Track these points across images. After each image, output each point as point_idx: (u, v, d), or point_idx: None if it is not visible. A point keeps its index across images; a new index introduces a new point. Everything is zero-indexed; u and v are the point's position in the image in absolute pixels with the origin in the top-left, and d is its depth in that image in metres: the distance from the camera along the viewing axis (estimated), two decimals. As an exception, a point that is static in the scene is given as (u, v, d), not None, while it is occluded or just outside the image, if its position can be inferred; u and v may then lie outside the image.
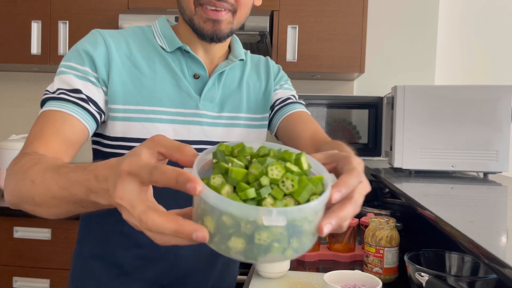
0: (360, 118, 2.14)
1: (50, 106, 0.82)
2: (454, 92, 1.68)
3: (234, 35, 1.01)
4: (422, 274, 0.91)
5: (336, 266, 1.26)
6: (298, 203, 0.46)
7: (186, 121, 0.92)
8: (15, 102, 2.63)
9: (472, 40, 2.45)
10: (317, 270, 1.24)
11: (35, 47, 2.23)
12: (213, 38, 0.89)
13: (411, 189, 1.37)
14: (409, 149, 1.69)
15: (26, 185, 0.64)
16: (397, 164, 1.70)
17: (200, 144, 0.94)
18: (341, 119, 2.15)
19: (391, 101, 1.81)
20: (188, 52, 0.93)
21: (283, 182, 0.46)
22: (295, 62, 2.11)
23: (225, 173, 0.47)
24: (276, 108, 1.04)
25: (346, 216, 0.49)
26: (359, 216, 1.44)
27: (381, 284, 0.93)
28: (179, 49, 0.94)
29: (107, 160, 0.53)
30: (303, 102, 1.08)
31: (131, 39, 0.92)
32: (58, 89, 0.84)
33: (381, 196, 2.13)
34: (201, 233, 0.43)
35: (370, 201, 1.90)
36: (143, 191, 0.47)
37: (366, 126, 2.13)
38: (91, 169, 0.54)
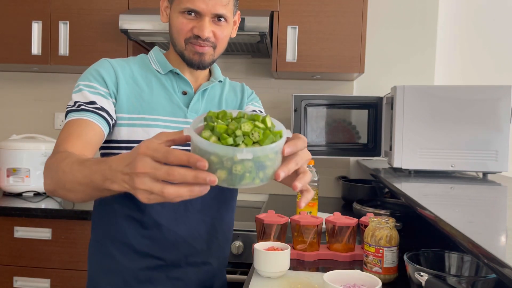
0: (359, 118, 2.14)
1: (72, 116, 1.03)
2: (454, 92, 1.68)
3: (215, 64, 1.25)
4: (422, 273, 0.91)
5: (336, 266, 1.26)
6: None
7: (177, 127, 1.13)
8: (16, 102, 2.63)
9: (472, 40, 2.45)
10: (317, 269, 1.24)
11: (35, 47, 2.23)
12: (199, 66, 1.13)
13: (411, 189, 1.37)
14: (408, 149, 1.69)
15: (59, 175, 0.85)
16: (396, 164, 1.70)
17: (187, 146, 1.10)
18: (341, 119, 2.16)
19: (391, 101, 1.81)
20: (178, 74, 1.16)
21: (252, 133, 0.67)
22: (295, 62, 2.12)
23: (212, 129, 0.68)
24: None
25: (291, 169, 0.71)
26: (358, 216, 1.45)
27: (380, 283, 0.93)
28: (171, 71, 1.17)
29: (119, 154, 0.73)
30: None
31: (133, 64, 1.16)
32: (77, 101, 1.05)
33: (381, 196, 2.14)
34: (206, 174, 0.63)
35: (370, 201, 1.90)
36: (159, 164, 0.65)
37: (366, 126, 2.14)
38: (106, 161, 0.74)
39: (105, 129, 1.05)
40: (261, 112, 1.29)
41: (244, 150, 0.64)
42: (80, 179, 0.79)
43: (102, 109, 1.05)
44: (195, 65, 1.13)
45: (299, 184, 0.73)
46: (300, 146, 0.74)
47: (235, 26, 1.20)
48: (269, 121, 0.71)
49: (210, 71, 1.26)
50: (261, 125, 0.69)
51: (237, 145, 0.66)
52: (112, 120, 1.07)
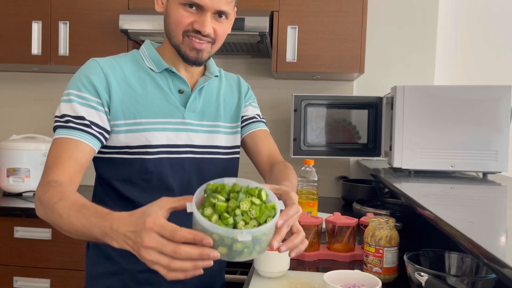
0: (359, 118, 2.14)
1: (61, 134, 1.00)
2: (454, 92, 1.68)
3: None
4: (422, 274, 0.91)
5: (336, 266, 1.26)
6: (259, 223, 0.75)
7: (175, 129, 1.10)
8: (15, 102, 2.63)
9: (472, 40, 2.45)
10: (317, 270, 1.24)
11: (35, 47, 2.23)
12: (195, 63, 1.09)
13: (411, 189, 1.37)
14: (408, 149, 1.69)
15: (55, 217, 0.85)
16: (396, 164, 1.70)
17: (186, 147, 1.11)
18: (341, 119, 2.16)
19: (391, 101, 1.81)
20: (173, 72, 1.11)
21: (249, 211, 0.74)
22: (295, 62, 2.12)
23: (213, 205, 0.74)
24: (244, 123, 1.26)
25: (283, 235, 0.78)
26: (358, 216, 1.45)
27: (380, 283, 0.93)
28: (166, 69, 1.12)
29: (120, 214, 0.76)
30: (265, 121, 1.31)
31: (124, 64, 1.10)
32: (65, 115, 1.01)
33: (381, 196, 2.14)
34: (210, 250, 0.69)
35: (370, 201, 1.90)
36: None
37: (366, 126, 2.14)
38: (108, 218, 0.76)
39: (96, 146, 1.02)
40: (258, 116, 1.28)
41: (244, 232, 0.71)
42: (78, 227, 0.80)
43: (91, 124, 1.01)
44: (191, 61, 1.09)
45: (283, 248, 0.80)
46: (291, 214, 0.80)
47: (231, 22, 1.16)
48: (264, 194, 0.78)
49: (204, 65, 1.22)
50: (257, 201, 0.76)
51: (236, 223, 0.73)
52: (103, 133, 1.03)
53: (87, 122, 1.01)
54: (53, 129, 1.02)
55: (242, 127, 1.26)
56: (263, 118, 1.31)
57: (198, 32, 1.04)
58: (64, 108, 1.02)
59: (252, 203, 0.75)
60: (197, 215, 0.72)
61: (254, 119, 1.27)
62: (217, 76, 1.22)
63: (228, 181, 0.80)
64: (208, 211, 0.74)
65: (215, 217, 0.73)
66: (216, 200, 0.75)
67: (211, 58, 1.21)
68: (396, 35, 2.42)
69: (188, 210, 0.74)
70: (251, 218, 0.74)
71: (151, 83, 1.10)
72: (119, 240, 0.74)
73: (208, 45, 1.07)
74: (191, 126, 1.12)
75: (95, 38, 2.21)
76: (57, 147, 0.98)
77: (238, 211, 0.73)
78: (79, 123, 1.00)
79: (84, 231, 0.79)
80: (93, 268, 1.15)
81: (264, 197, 0.78)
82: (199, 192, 0.79)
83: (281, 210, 0.80)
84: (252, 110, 1.28)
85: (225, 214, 0.73)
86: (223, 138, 1.18)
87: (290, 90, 2.47)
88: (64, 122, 1.00)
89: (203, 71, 1.20)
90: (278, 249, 0.79)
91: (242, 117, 1.26)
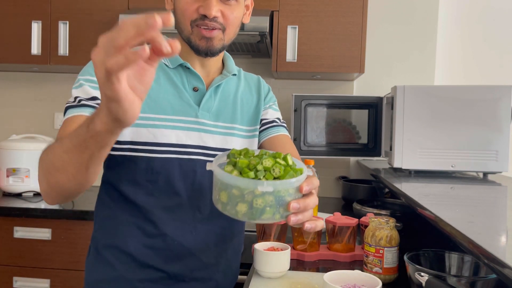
0: (360, 118, 2.14)
1: (72, 113, 0.94)
2: (454, 92, 1.68)
3: (228, 54, 1.16)
4: (422, 274, 0.91)
5: (336, 266, 1.26)
6: None
7: (186, 128, 1.04)
8: (15, 102, 2.63)
9: (472, 39, 2.45)
10: (317, 270, 1.24)
11: (35, 47, 2.23)
12: (207, 53, 1.03)
13: (411, 189, 1.37)
14: (408, 149, 1.69)
15: (48, 157, 0.79)
16: (397, 164, 1.70)
17: (198, 149, 1.05)
18: (341, 119, 2.15)
19: (391, 101, 1.81)
20: (188, 68, 1.06)
21: (273, 169, 0.70)
22: (295, 62, 2.11)
23: (234, 164, 0.72)
24: (263, 127, 1.18)
25: (309, 204, 0.73)
26: (359, 216, 1.45)
27: (380, 284, 0.93)
28: (180, 65, 1.07)
29: None
30: (285, 125, 1.23)
31: None
32: (77, 97, 0.96)
33: (381, 196, 2.14)
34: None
35: (370, 201, 1.90)
36: None
37: (366, 126, 2.14)
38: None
39: None
40: (279, 119, 1.21)
41: (265, 183, 0.67)
42: (67, 145, 0.72)
43: None
44: (203, 51, 1.02)
45: (308, 225, 0.74)
46: (316, 184, 0.75)
47: (248, 11, 1.09)
48: (290, 159, 0.74)
49: (223, 63, 1.15)
50: (282, 162, 0.73)
51: (258, 179, 0.69)
52: None
53: (100, 102, 0.94)
54: (64, 113, 0.96)
55: (261, 131, 1.18)
56: (284, 122, 1.23)
57: (205, 17, 0.98)
58: (75, 93, 0.97)
59: (277, 162, 0.72)
60: (216, 170, 0.70)
61: (274, 123, 1.19)
62: (235, 74, 1.15)
63: (254, 150, 0.78)
64: (229, 168, 0.72)
65: (235, 172, 0.71)
66: (238, 159, 0.72)
67: (230, 56, 1.17)
68: (397, 35, 2.42)
69: (208, 168, 0.73)
70: (274, 177, 0.70)
71: (165, 79, 1.05)
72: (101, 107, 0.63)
73: (218, 32, 1.00)
74: (204, 126, 1.06)
75: (95, 38, 2.19)
76: (66, 125, 0.92)
77: (260, 167, 0.70)
78: (93, 102, 0.95)
79: (73, 142, 0.71)
80: (91, 274, 1.10)
81: (290, 162, 0.74)
82: (221, 156, 0.78)
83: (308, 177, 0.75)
84: (272, 113, 1.20)
85: (246, 169, 0.70)
86: (239, 141, 1.11)
87: (290, 90, 2.46)
88: (77, 103, 0.95)
89: (221, 70, 1.14)
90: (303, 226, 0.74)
91: (261, 120, 1.18)
